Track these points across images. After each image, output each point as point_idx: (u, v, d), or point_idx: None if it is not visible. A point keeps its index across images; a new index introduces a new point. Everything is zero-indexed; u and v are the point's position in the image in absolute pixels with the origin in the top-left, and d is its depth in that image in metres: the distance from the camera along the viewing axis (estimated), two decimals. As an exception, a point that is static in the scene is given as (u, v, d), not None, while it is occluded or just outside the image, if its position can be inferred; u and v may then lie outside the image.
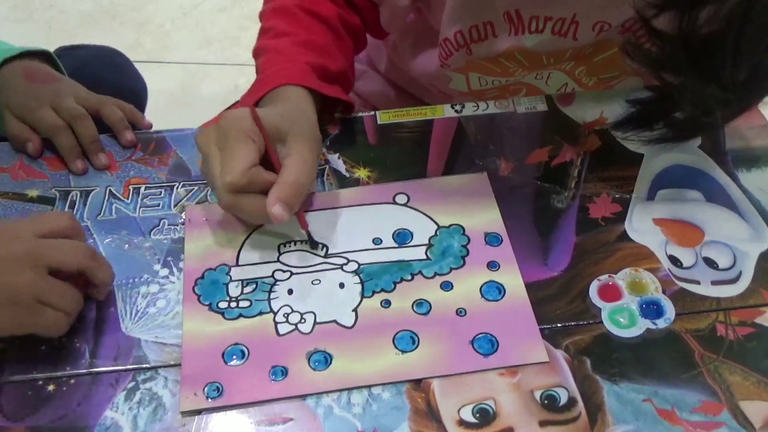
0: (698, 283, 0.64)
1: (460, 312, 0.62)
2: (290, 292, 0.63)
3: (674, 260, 0.66)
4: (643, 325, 0.61)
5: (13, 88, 0.76)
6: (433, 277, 0.64)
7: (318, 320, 0.61)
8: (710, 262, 0.66)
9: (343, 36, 0.81)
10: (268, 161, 0.64)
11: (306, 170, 0.64)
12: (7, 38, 1.46)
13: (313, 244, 0.66)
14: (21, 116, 0.75)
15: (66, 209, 0.70)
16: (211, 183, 0.64)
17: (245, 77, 1.73)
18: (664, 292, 0.63)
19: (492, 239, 0.67)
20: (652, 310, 0.62)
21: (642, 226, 0.69)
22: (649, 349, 0.60)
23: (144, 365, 0.59)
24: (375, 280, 0.64)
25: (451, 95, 0.90)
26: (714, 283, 0.64)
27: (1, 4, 1.69)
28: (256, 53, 0.79)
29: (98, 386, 0.58)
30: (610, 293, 0.63)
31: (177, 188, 0.72)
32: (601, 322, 0.62)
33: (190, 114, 1.42)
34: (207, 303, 0.62)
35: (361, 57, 0.99)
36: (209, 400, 0.56)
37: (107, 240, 0.67)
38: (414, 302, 0.62)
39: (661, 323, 0.61)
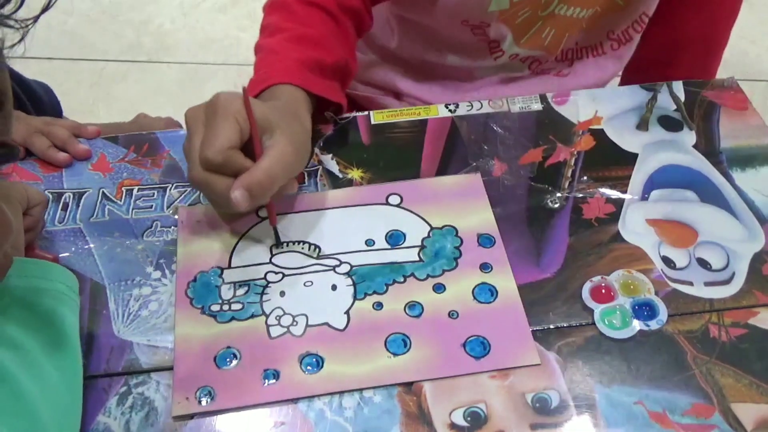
0: (691, 284, 0.64)
1: (452, 314, 0.62)
2: (282, 294, 0.63)
3: (667, 261, 0.66)
4: (635, 326, 0.61)
5: None
6: (425, 279, 0.64)
7: (310, 323, 0.61)
8: (703, 263, 0.66)
9: (342, 21, 0.79)
10: (251, 150, 0.63)
11: (282, 164, 0.62)
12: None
13: (278, 242, 0.66)
14: None
15: (59, 211, 0.70)
16: (187, 157, 0.63)
17: (245, 77, 1.72)
18: (657, 293, 0.63)
19: (485, 241, 0.67)
20: (644, 311, 0.62)
21: (635, 226, 0.68)
22: (642, 351, 0.60)
23: (136, 369, 0.59)
24: (367, 282, 0.64)
25: (483, 30, 0.86)
26: (707, 284, 0.64)
27: (0, 4, 1.69)
28: (255, 52, 0.79)
29: (91, 391, 0.58)
30: (603, 295, 0.63)
31: (170, 189, 0.72)
32: (594, 323, 0.61)
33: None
34: (199, 306, 0.62)
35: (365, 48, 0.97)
36: (201, 404, 0.56)
37: (100, 242, 0.67)
38: (406, 305, 0.62)
39: (654, 325, 0.61)
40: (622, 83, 1.00)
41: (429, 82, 0.94)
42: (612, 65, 0.91)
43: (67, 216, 0.70)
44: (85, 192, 0.72)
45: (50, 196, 0.71)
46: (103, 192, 0.72)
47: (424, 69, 0.93)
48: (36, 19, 0.42)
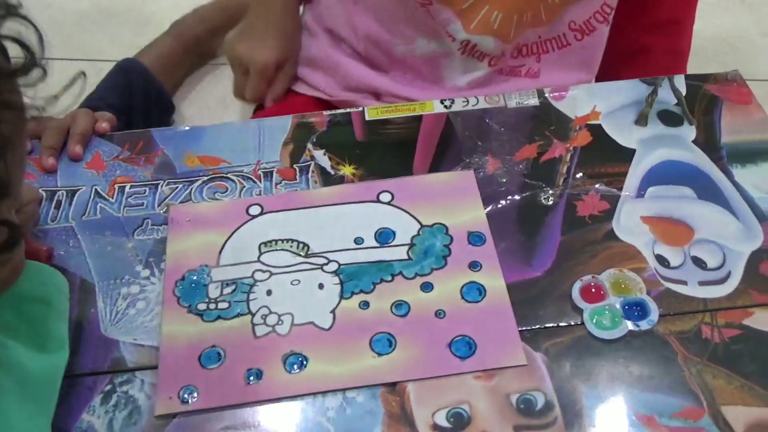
0: (685, 283, 0.63)
1: (439, 314, 0.61)
2: (269, 293, 0.63)
3: (661, 260, 0.64)
4: (625, 327, 0.60)
5: None
6: (413, 278, 0.63)
7: (295, 322, 0.61)
8: (699, 262, 0.64)
9: None
10: None
11: None
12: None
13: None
14: None
15: (52, 209, 0.70)
16: None
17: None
18: (649, 292, 0.62)
19: (475, 239, 0.66)
20: (635, 311, 0.61)
21: (630, 224, 0.67)
22: (631, 352, 0.59)
23: (122, 368, 0.59)
24: (354, 280, 0.63)
25: (427, 9, 0.83)
26: (701, 283, 0.63)
27: (-3, 4, 1.70)
28: None
29: (76, 389, 0.58)
30: (593, 294, 0.62)
31: (161, 186, 0.72)
32: (583, 323, 0.60)
33: (189, 113, 1.42)
34: (186, 305, 0.62)
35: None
36: (184, 404, 0.56)
37: (91, 240, 0.67)
38: (393, 304, 0.62)
39: (645, 325, 0.60)
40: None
41: (402, 75, 0.92)
42: (579, 55, 0.88)
43: (59, 214, 0.70)
44: (78, 190, 0.72)
45: (44, 194, 0.71)
46: (95, 189, 0.72)
47: (394, 62, 0.91)
48: (56, 98, 0.44)
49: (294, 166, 0.73)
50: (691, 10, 0.95)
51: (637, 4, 0.89)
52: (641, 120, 0.76)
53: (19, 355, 0.53)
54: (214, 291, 0.63)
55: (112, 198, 0.71)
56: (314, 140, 0.76)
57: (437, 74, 0.89)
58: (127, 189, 0.72)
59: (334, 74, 0.93)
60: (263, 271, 0.64)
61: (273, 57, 0.93)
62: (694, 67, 0.94)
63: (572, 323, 0.61)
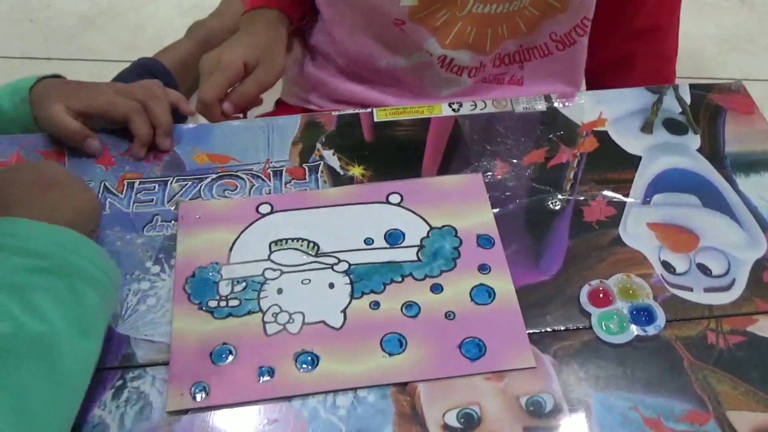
0: (691, 289, 0.64)
1: (449, 315, 0.62)
2: (280, 291, 0.63)
3: (667, 266, 0.65)
4: (633, 331, 0.61)
5: (63, 89, 0.74)
6: (423, 279, 0.64)
7: (306, 320, 0.61)
8: (704, 269, 0.65)
9: None
10: None
11: None
12: (5, 38, 1.46)
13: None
14: (84, 109, 0.72)
15: (61, 203, 0.70)
16: None
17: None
18: (655, 298, 0.63)
19: (484, 242, 0.67)
20: (642, 316, 0.62)
21: (636, 230, 0.68)
22: (638, 356, 0.60)
23: (133, 363, 0.59)
24: (365, 281, 0.64)
25: (401, 29, 0.83)
26: (707, 290, 0.64)
27: (-1, 4, 1.69)
28: None
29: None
30: (601, 299, 0.63)
31: (171, 183, 0.72)
32: (591, 327, 0.61)
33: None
34: (197, 302, 0.62)
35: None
36: (196, 399, 0.57)
37: (100, 236, 0.67)
38: (403, 304, 0.62)
39: (651, 330, 0.61)
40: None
41: (387, 87, 0.92)
42: (561, 65, 0.90)
43: (68, 208, 0.70)
44: (88, 184, 0.72)
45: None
46: (104, 185, 0.72)
47: (379, 75, 0.91)
48: None
49: (303, 165, 0.74)
50: (672, 15, 0.96)
51: (615, 14, 0.90)
52: (647, 128, 0.77)
53: (60, 340, 0.52)
54: (224, 288, 0.63)
55: (121, 194, 0.71)
56: (323, 140, 0.76)
57: (421, 87, 0.89)
58: (136, 185, 0.72)
59: (321, 88, 0.94)
60: (274, 270, 0.65)
61: (239, 56, 0.82)
62: (694, 67, 0.94)
63: (580, 327, 0.61)
